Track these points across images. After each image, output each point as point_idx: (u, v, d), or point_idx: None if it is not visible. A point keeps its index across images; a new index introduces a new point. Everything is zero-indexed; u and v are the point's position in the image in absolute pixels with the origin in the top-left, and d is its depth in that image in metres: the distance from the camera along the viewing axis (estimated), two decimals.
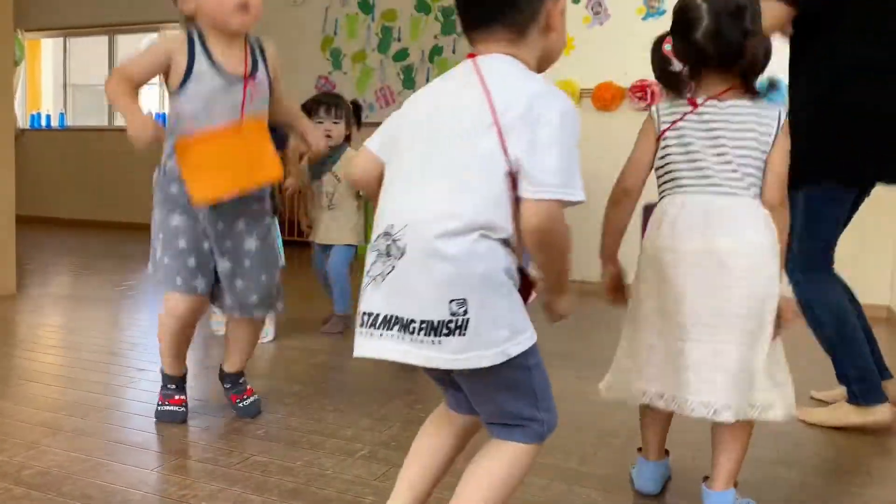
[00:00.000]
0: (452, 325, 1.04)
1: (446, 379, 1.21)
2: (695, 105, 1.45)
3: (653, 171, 1.50)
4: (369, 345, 1.10)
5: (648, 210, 1.52)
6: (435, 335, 1.05)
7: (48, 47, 9.18)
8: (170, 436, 1.73)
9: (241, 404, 1.89)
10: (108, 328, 2.97)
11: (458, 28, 5.78)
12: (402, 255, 1.07)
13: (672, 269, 1.41)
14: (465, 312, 1.04)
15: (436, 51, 6.94)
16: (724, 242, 1.38)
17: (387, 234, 1.09)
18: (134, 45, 8.78)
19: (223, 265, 1.80)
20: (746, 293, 1.37)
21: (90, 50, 8.90)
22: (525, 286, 1.13)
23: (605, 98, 4.41)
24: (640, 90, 4.21)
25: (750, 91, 1.45)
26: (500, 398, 1.13)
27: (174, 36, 1.72)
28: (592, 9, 4.47)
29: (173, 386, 1.86)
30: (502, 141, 1.05)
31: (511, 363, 1.07)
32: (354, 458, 1.63)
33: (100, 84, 8.69)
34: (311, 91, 7.48)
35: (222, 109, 1.71)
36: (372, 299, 1.10)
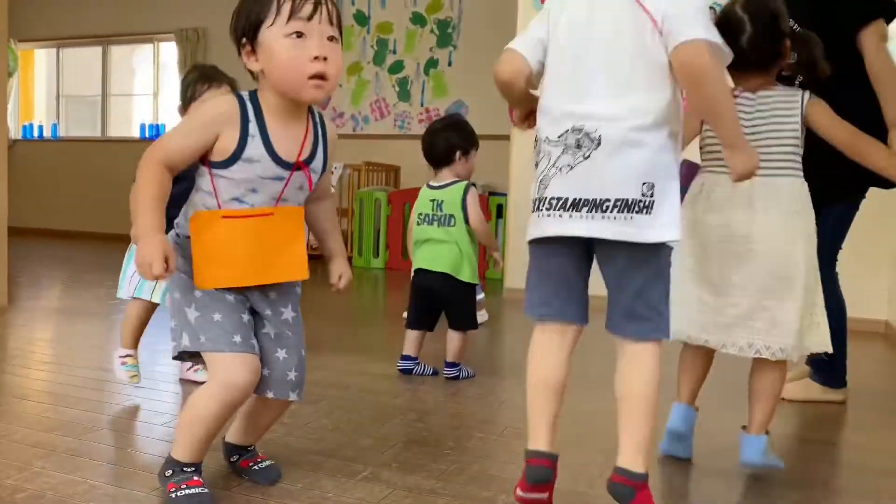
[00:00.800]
0: (642, 205, 1.29)
1: (576, 277, 1.43)
2: (734, 97, 1.67)
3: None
4: (556, 226, 1.35)
5: (691, 168, 1.76)
6: (628, 212, 1.30)
7: (41, 58, 9.14)
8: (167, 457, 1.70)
9: (256, 467, 1.60)
10: (101, 344, 2.93)
11: (454, 40, 5.84)
12: (599, 145, 1.30)
13: (708, 237, 1.67)
14: (653, 195, 1.29)
15: (431, 63, 6.95)
16: (750, 220, 1.63)
17: (577, 129, 1.32)
18: (127, 56, 8.76)
19: (266, 332, 1.51)
20: (773, 265, 1.62)
21: (83, 60, 8.86)
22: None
23: None
24: None
25: (779, 81, 1.71)
26: (647, 283, 1.36)
27: (224, 103, 1.41)
28: None
29: (192, 468, 1.46)
30: (654, 22, 1.29)
31: (664, 252, 1.36)
32: (356, 479, 1.60)
33: (93, 94, 8.69)
34: None
35: (262, 194, 1.43)
36: (560, 185, 1.34)
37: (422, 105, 7.05)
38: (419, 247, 2.59)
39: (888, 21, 2.14)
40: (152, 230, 1.30)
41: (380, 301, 4.83)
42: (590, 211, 1.31)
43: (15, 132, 8.91)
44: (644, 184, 1.29)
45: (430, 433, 1.94)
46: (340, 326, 3.47)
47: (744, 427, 1.72)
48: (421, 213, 2.59)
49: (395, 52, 7.14)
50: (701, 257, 1.69)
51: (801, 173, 1.66)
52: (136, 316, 2.26)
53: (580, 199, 1.31)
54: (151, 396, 2.18)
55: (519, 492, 1.42)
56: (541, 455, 1.41)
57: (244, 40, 1.39)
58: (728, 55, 1.36)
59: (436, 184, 2.60)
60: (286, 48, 1.33)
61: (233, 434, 1.61)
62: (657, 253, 1.34)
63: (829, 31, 1.83)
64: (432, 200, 2.57)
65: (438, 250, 2.53)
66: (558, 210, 1.34)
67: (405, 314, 2.73)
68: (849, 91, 1.89)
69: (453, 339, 2.53)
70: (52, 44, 8.87)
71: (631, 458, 1.36)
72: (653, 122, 1.30)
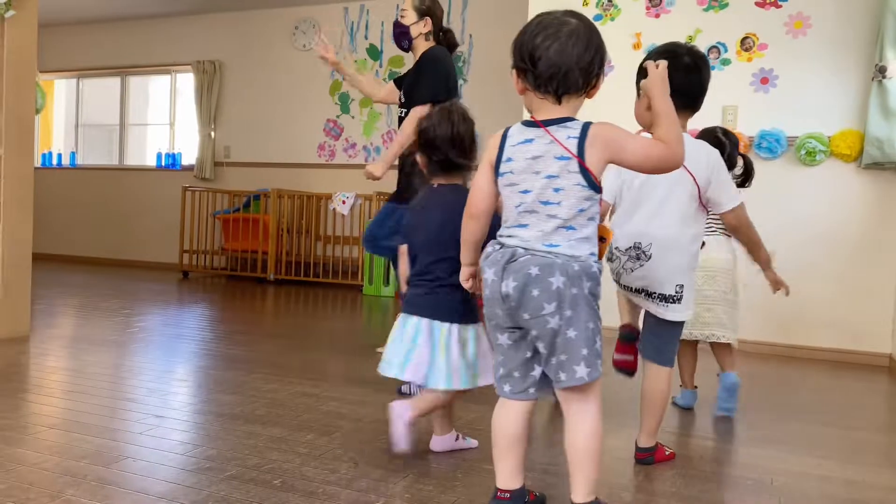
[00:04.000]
0: (673, 298, 2.05)
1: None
2: None
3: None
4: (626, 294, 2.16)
5: None
6: (665, 302, 2.06)
7: (61, 88, 9.35)
8: (191, 485, 1.78)
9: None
10: (123, 373, 3.03)
11: (464, 73, 5.97)
12: (650, 259, 2.03)
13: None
14: (682, 292, 2.05)
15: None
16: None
17: (636, 246, 2.05)
18: (144, 87, 8.97)
19: None
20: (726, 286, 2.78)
21: (103, 90, 9.07)
22: None
23: None
24: None
25: None
26: (667, 339, 2.13)
27: None
28: None
29: None
30: (697, 184, 2.02)
31: (681, 324, 2.13)
32: None
33: (112, 123, 8.89)
34: (321, 133, 7.65)
35: None
36: (626, 279, 2.09)
37: None
38: None
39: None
40: None
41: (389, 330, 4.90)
42: (645, 297, 2.11)
43: (35, 160, 9.10)
44: (677, 284, 2.05)
45: (439, 465, 2.02)
46: (351, 356, 3.55)
47: (718, 374, 2.79)
48: None
49: None
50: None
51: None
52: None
53: (640, 288, 2.12)
54: (174, 425, 2.27)
55: None
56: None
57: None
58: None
59: None
60: None
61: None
62: (679, 323, 2.14)
63: None
64: None
65: None
66: (627, 293, 2.16)
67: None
68: None
69: None
70: (72, 74, 9.10)
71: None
72: (683, 241, 2.08)
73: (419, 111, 3.26)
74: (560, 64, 1.46)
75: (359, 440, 2.21)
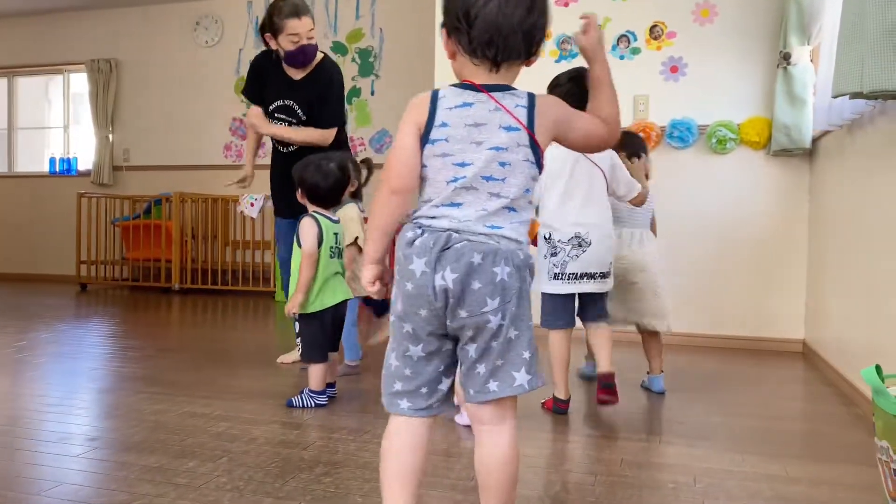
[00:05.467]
0: (607, 273, 2.55)
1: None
2: None
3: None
4: (572, 287, 2.51)
5: None
6: (604, 278, 2.53)
7: None
8: None
9: None
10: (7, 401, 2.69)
11: (375, 69, 5.77)
12: (590, 244, 2.46)
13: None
14: (611, 266, 2.56)
15: (354, 92, 6.86)
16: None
17: (577, 235, 2.46)
18: (34, 87, 8.38)
19: None
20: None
21: None
22: None
23: None
24: None
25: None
26: (603, 302, 2.63)
27: None
28: None
29: None
30: (604, 174, 2.52)
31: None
32: None
33: None
34: (226, 132, 7.29)
35: None
36: (572, 266, 2.48)
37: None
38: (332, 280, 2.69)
39: None
40: None
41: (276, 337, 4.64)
42: (587, 279, 2.54)
43: None
44: (610, 262, 2.57)
45: (337, 489, 1.81)
46: (253, 369, 3.29)
47: (648, 372, 2.99)
48: (331, 247, 2.69)
49: None
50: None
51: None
52: None
53: (583, 273, 2.53)
54: (29, 460, 1.98)
55: None
56: None
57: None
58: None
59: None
60: None
61: None
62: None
63: None
64: (335, 234, 2.72)
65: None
66: (572, 280, 2.54)
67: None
68: None
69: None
70: None
71: None
72: (610, 225, 2.62)
73: (328, 134, 3.32)
74: (500, 25, 1.24)
75: (248, 465, 1.97)
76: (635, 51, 4.28)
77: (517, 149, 1.26)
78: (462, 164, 1.26)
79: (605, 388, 2.48)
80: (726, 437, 2.36)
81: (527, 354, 1.28)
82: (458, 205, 1.27)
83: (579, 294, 2.58)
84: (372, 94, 6.83)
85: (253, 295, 6.58)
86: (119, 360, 3.47)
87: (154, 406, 2.58)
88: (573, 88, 2.33)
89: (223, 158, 7.34)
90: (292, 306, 2.57)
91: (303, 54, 3.23)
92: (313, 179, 2.63)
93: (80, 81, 7.95)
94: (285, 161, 3.32)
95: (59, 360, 3.45)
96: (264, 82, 3.39)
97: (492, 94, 1.27)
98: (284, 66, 3.33)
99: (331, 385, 2.73)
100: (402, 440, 1.33)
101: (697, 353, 3.92)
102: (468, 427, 2.28)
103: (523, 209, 1.30)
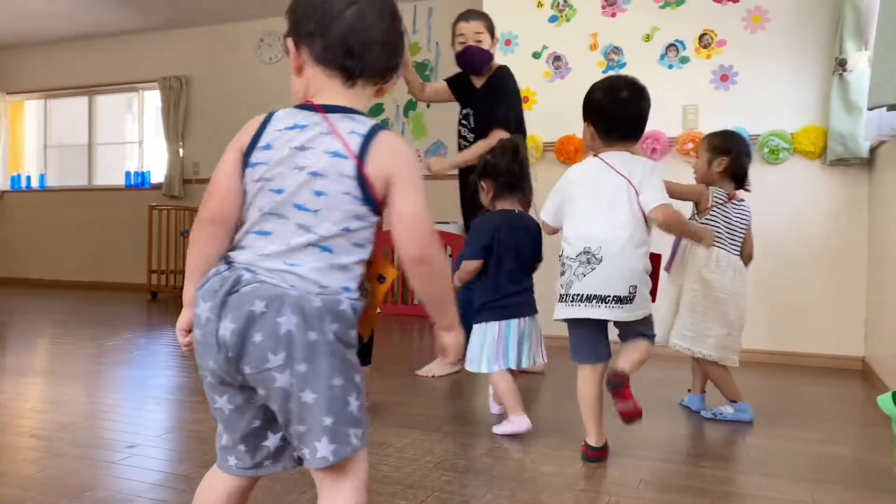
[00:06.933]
0: (627, 299, 2.12)
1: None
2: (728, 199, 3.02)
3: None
4: (577, 311, 2.15)
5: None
6: (620, 304, 2.11)
7: (31, 109, 9.21)
8: None
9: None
10: (91, 411, 2.86)
11: (432, 81, 5.76)
12: (601, 261, 2.11)
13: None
14: (634, 292, 2.12)
15: (410, 105, 6.95)
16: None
17: (586, 251, 2.13)
18: (113, 105, 8.83)
19: None
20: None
21: (70, 111, 8.93)
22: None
23: (567, 151, 4.37)
24: None
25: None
26: (641, 329, 2.23)
27: None
28: (552, 63, 4.47)
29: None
30: (635, 191, 2.15)
31: (647, 319, 2.22)
32: None
33: (80, 143, 8.73)
34: None
35: None
36: (578, 287, 2.14)
37: None
38: None
39: None
40: None
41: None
42: (597, 303, 2.14)
43: (3, 183, 8.96)
44: (630, 286, 2.13)
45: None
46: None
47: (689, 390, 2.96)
48: None
49: None
50: None
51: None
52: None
53: (592, 295, 2.17)
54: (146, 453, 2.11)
55: None
56: None
57: None
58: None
59: None
60: None
61: None
62: (645, 319, 2.24)
63: None
64: None
65: None
66: (577, 303, 2.19)
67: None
68: None
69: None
70: (41, 95, 8.96)
71: None
72: (636, 243, 2.17)
73: (491, 140, 3.21)
74: (362, 31, 1.13)
75: (267, 476, 2.04)
76: (684, 60, 4.20)
77: (338, 179, 1.09)
78: (276, 191, 1.11)
79: (610, 386, 2.16)
80: (758, 459, 2.29)
81: (328, 421, 1.05)
82: (266, 233, 1.11)
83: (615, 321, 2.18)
84: (428, 106, 6.91)
85: None
86: (174, 368, 3.63)
87: (195, 415, 2.69)
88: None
89: None
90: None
91: (478, 56, 3.41)
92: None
93: (153, 98, 8.34)
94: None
95: (120, 368, 3.63)
96: (457, 93, 3.69)
97: (329, 114, 1.13)
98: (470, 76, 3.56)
99: None
100: (214, 486, 1.22)
101: (749, 370, 3.80)
102: (510, 436, 2.43)
103: (344, 252, 1.10)
